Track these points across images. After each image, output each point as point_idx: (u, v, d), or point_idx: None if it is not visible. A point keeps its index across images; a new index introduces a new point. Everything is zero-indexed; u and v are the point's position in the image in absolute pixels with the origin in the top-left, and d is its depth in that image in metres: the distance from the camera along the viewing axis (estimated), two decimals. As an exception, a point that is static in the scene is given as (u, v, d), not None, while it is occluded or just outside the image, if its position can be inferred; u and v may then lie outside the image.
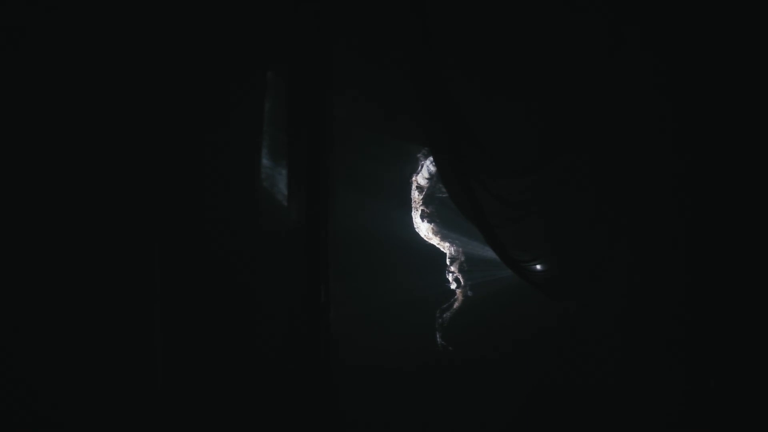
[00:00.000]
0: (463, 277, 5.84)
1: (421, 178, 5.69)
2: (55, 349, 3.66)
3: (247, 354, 4.15)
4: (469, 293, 5.81)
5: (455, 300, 5.83)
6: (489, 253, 5.29)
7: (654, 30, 4.44)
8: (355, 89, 4.76)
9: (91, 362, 3.70)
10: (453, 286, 5.85)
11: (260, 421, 4.07)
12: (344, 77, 4.48)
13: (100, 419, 3.69)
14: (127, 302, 3.87)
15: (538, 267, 4.81)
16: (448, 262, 5.84)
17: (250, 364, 4.13)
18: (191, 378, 3.98)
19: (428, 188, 5.66)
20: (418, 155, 5.48)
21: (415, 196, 5.74)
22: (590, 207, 4.65)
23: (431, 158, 4.96)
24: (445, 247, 5.82)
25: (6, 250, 3.61)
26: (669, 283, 4.58)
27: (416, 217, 5.78)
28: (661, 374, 4.58)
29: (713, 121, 4.38)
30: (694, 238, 4.46)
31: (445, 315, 5.77)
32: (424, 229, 5.81)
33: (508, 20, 4.41)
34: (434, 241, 5.81)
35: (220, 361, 4.06)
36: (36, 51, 3.72)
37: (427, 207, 5.76)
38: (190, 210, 4.17)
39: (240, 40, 4.27)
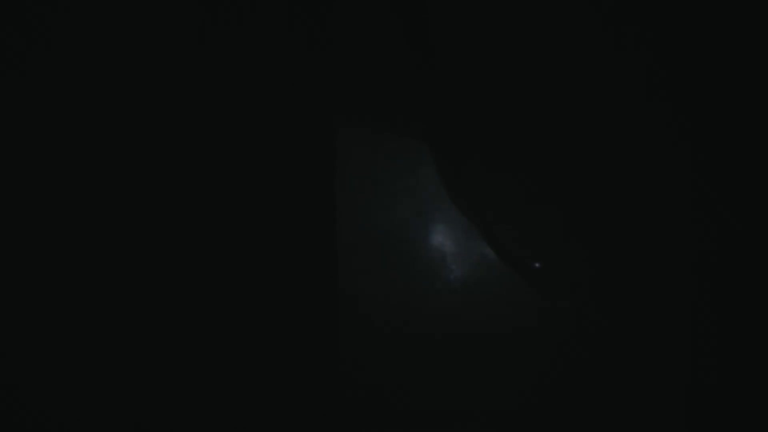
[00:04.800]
0: (464, 275, 5.86)
1: (421, 177, 5.71)
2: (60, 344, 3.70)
3: (246, 352, 4.17)
4: (471, 292, 5.82)
5: (458, 298, 5.85)
6: (489, 251, 5.31)
7: (656, 26, 4.43)
8: (357, 90, 4.79)
9: (87, 360, 3.74)
10: (456, 284, 5.87)
11: (259, 421, 4.10)
12: (344, 79, 4.50)
13: (97, 417, 3.74)
14: (129, 299, 3.91)
15: (537, 266, 4.82)
16: (448, 261, 5.86)
17: (248, 363, 4.16)
18: (192, 376, 4.01)
19: (428, 187, 5.68)
20: (418, 156, 5.50)
21: (415, 195, 5.77)
22: (589, 206, 4.66)
23: (431, 158, 4.99)
24: (447, 246, 5.85)
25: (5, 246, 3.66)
26: (669, 282, 4.57)
27: (417, 216, 5.81)
28: (662, 374, 4.58)
29: (717, 121, 4.37)
30: (695, 238, 4.46)
31: (448, 313, 5.79)
32: (427, 229, 5.84)
33: (507, 20, 4.42)
34: (436, 240, 5.84)
35: (218, 359, 4.09)
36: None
37: (426, 206, 5.78)
38: (192, 208, 4.20)
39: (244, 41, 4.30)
